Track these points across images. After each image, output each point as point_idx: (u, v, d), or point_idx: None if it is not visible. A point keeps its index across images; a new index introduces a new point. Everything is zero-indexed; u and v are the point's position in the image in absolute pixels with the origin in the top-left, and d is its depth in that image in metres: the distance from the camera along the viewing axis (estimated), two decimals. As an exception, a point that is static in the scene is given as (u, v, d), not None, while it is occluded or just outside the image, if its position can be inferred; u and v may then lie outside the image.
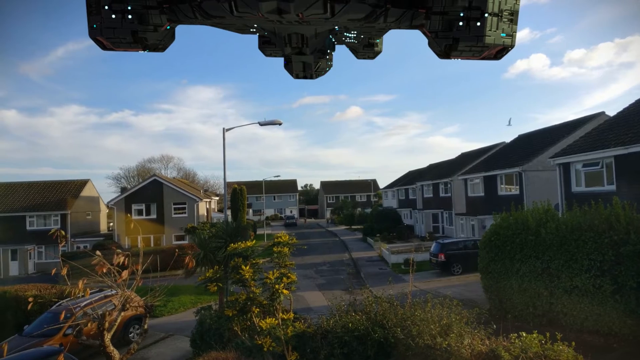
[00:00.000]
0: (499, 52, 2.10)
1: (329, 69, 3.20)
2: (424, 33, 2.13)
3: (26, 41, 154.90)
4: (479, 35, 1.95)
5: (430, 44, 2.20)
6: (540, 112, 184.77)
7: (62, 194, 43.50)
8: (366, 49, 3.15)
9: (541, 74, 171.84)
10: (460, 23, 1.95)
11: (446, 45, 2.06)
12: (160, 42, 2.35)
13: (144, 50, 2.32)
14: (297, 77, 2.87)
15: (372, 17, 2.06)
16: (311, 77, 2.81)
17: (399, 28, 2.29)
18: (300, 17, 2.02)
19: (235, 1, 1.97)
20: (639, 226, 10.50)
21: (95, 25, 2.10)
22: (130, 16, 2.08)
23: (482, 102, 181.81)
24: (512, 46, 2.03)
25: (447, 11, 1.94)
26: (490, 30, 1.97)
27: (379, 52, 3.28)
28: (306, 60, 2.73)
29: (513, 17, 2.02)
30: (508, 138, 77.26)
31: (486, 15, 1.93)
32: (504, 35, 1.99)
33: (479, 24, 1.94)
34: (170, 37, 2.44)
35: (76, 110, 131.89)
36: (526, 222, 12.92)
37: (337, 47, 3.06)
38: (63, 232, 6.41)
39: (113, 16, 2.07)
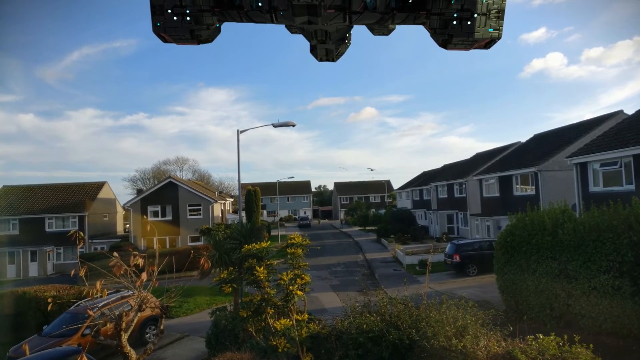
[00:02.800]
0: (488, 43, 2.42)
1: (348, 47, 3.49)
2: (426, 28, 2.48)
3: (42, 46, 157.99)
4: (469, 32, 2.29)
5: (431, 36, 2.55)
6: (556, 110, 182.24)
7: (79, 196, 44.27)
8: (381, 27, 3.35)
9: (557, 72, 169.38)
10: (454, 22, 2.28)
11: (443, 39, 2.39)
12: (210, 37, 2.73)
13: (198, 44, 2.73)
14: (320, 60, 3.26)
15: (382, 21, 2.49)
16: (333, 60, 3.17)
17: (405, 24, 2.68)
18: (325, 25, 2.49)
19: (276, 13, 2.41)
20: (659, 226, 10.29)
21: (158, 24, 2.47)
22: (188, 18, 2.44)
23: (497, 102, 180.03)
24: (499, 38, 2.32)
25: (444, 12, 2.27)
26: (479, 27, 2.29)
27: (392, 30, 3.50)
28: (329, 47, 3.14)
29: (500, 14, 2.31)
30: (523, 138, 76.33)
31: (475, 15, 2.23)
32: (492, 30, 2.31)
33: (469, 22, 2.28)
34: (218, 31, 2.80)
35: (92, 114, 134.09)
36: (542, 223, 12.75)
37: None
38: (81, 234, 6.53)
39: (175, 18, 2.45)
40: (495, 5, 2.26)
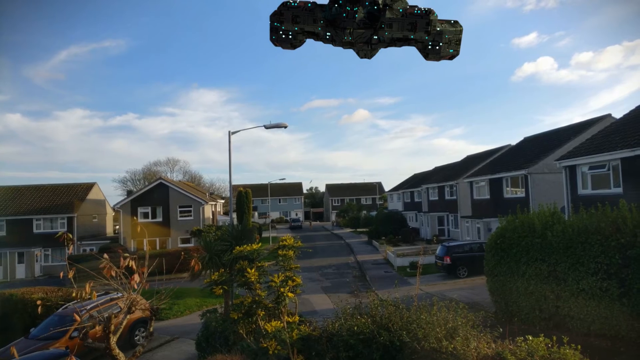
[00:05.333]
0: (450, 58, 3.40)
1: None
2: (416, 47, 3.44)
3: (29, 45, 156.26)
4: (438, 53, 3.31)
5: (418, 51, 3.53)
6: (546, 113, 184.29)
7: (68, 197, 43.76)
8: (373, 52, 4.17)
9: (548, 76, 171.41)
10: (429, 47, 3.30)
11: (423, 55, 3.40)
12: (300, 43, 3.43)
13: (293, 49, 3.50)
14: (361, 57, 3.79)
15: (383, 47, 3.39)
16: (369, 58, 3.67)
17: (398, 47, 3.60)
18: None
19: (334, 42, 3.32)
20: (646, 229, 10.42)
21: (274, 37, 3.30)
22: (290, 34, 3.30)
23: (489, 104, 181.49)
24: (457, 54, 3.36)
25: (423, 42, 3.27)
26: (444, 50, 3.29)
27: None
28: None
29: (458, 42, 3.31)
30: (514, 140, 76.95)
31: (441, 44, 3.26)
32: (452, 50, 3.31)
33: (438, 47, 3.28)
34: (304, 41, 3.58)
35: (81, 114, 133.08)
36: (532, 225, 12.86)
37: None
38: (70, 235, 6.45)
39: (283, 36, 3.30)
40: (455, 37, 3.27)
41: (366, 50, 3.40)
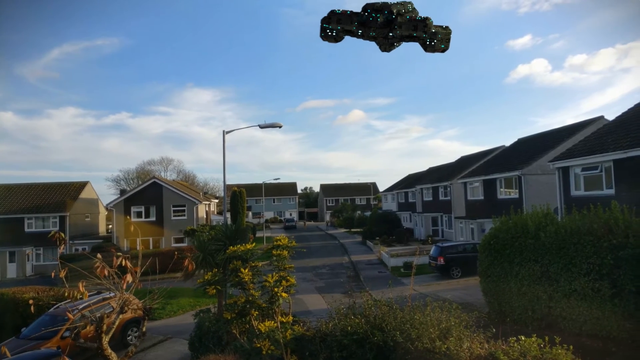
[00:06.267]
0: (442, 51, 4.59)
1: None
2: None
3: (21, 42, 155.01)
4: (433, 47, 4.51)
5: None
6: (540, 115, 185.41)
7: (61, 196, 43.44)
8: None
9: (542, 78, 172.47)
10: (427, 43, 4.48)
11: (424, 48, 4.56)
12: (340, 39, 4.53)
13: (336, 42, 4.57)
14: (382, 50, 4.76)
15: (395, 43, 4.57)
16: (388, 51, 4.71)
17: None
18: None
19: (364, 36, 4.48)
20: (638, 230, 10.48)
21: (322, 34, 4.46)
22: (334, 32, 4.45)
23: (483, 106, 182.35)
24: (447, 48, 4.54)
25: (422, 38, 4.45)
26: (437, 45, 4.49)
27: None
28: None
29: (448, 40, 4.51)
30: (508, 141, 77.17)
31: (435, 41, 4.46)
32: (443, 46, 4.52)
33: (433, 44, 4.48)
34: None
35: (73, 113, 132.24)
36: (525, 226, 12.91)
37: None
38: (62, 235, 6.40)
39: (330, 34, 4.45)
40: (445, 37, 4.49)
41: (385, 44, 4.54)
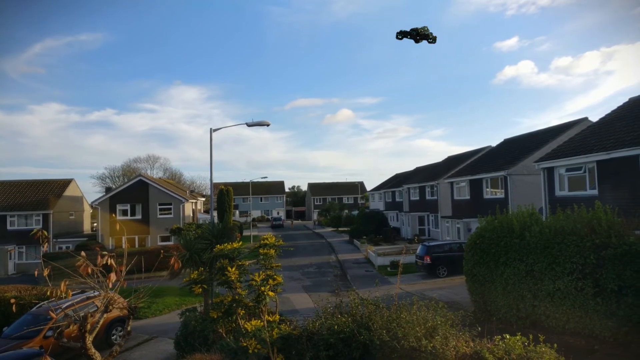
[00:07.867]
0: (433, 42, 7.07)
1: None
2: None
3: (1, 37, 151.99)
4: (427, 37, 6.93)
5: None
6: (525, 116, 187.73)
7: (44, 194, 42.75)
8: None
9: (528, 79, 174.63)
10: (423, 36, 6.85)
11: (419, 41, 6.96)
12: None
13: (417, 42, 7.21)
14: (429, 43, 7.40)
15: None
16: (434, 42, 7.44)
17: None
18: None
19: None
20: (620, 230, 10.68)
21: (400, 37, 7.04)
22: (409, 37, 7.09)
23: (470, 106, 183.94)
24: (435, 42, 7.11)
25: (415, 37, 6.90)
26: (427, 41, 6.98)
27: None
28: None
29: (435, 38, 7.03)
30: (494, 142, 77.95)
31: (428, 40, 6.95)
32: (431, 40, 7.06)
33: (425, 41, 6.98)
34: None
35: (57, 109, 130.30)
36: (511, 226, 13.05)
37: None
38: (46, 233, 6.29)
39: (400, 37, 7.10)
40: (433, 36, 6.87)
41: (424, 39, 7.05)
